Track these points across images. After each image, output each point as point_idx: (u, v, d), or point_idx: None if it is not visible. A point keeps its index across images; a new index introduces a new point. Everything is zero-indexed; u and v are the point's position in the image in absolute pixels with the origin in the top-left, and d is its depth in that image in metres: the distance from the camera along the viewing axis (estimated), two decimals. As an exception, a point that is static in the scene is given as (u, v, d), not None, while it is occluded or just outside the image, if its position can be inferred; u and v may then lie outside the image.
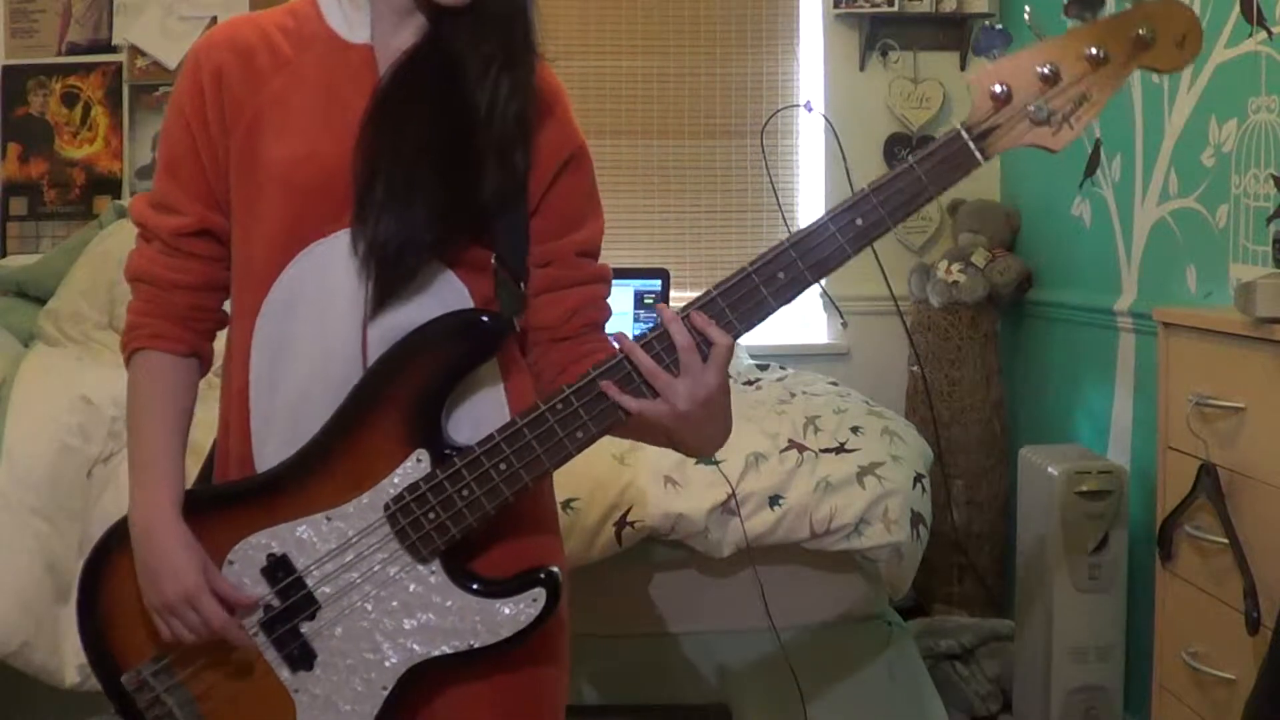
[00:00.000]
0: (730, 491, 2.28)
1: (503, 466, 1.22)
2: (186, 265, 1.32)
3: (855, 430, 2.46)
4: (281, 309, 1.27)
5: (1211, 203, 2.50)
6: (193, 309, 1.33)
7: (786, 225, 3.73)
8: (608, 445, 2.34)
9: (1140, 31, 1.14)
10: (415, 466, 1.24)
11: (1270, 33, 2.28)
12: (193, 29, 3.60)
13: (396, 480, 1.24)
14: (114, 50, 3.63)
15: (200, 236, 1.32)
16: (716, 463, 2.32)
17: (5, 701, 2.22)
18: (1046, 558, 2.77)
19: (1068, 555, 2.73)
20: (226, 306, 1.37)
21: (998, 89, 1.15)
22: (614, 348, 1.32)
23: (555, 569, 1.27)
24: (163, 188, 1.32)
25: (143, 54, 3.61)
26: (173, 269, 1.32)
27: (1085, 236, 3.15)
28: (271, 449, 1.28)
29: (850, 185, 3.59)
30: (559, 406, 1.21)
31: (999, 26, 1.19)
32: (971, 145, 1.16)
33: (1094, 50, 1.15)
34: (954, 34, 3.72)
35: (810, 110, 3.69)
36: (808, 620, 2.47)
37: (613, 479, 2.27)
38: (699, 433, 1.25)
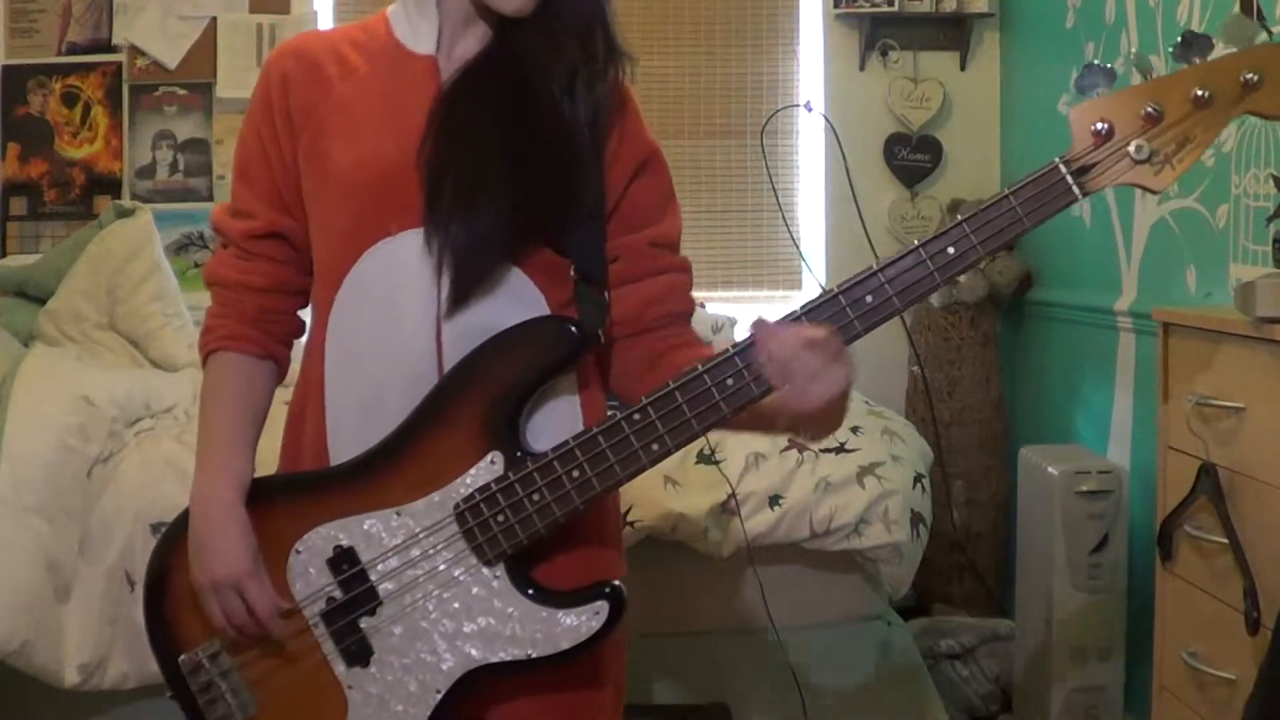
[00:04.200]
0: (730, 491, 2.29)
1: (575, 474, 1.22)
2: (257, 267, 1.36)
3: (855, 430, 2.46)
4: (352, 305, 1.29)
5: (1211, 203, 2.50)
6: (264, 311, 1.36)
7: (787, 225, 3.72)
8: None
9: (1248, 75, 1.13)
10: (488, 468, 1.24)
11: (1270, 33, 2.28)
12: (193, 29, 3.60)
13: (469, 480, 1.25)
14: (114, 50, 3.62)
15: (270, 239, 1.35)
16: (717, 462, 2.32)
17: (5, 701, 2.22)
18: (1046, 558, 2.77)
19: (1068, 555, 2.72)
20: (304, 314, 1.40)
21: (1099, 126, 1.15)
22: (699, 342, 1.35)
23: (619, 583, 1.26)
24: (237, 193, 1.37)
25: (143, 54, 3.61)
26: (244, 271, 1.36)
27: (1085, 236, 3.15)
28: (346, 441, 1.30)
29: (850, 185, 3.59)
30: (636, 417, 1.20)
31: (1108, 65, 1.18)
32: (1070, 179, 1.16)
33: (1200, 92, 1.14)
34: (954, 34, 3.72)
35: (810, 110, 3.69)
36: (808, 620, 2.47)
37: (613, 479, 2.26)
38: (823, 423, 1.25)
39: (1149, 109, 1.14)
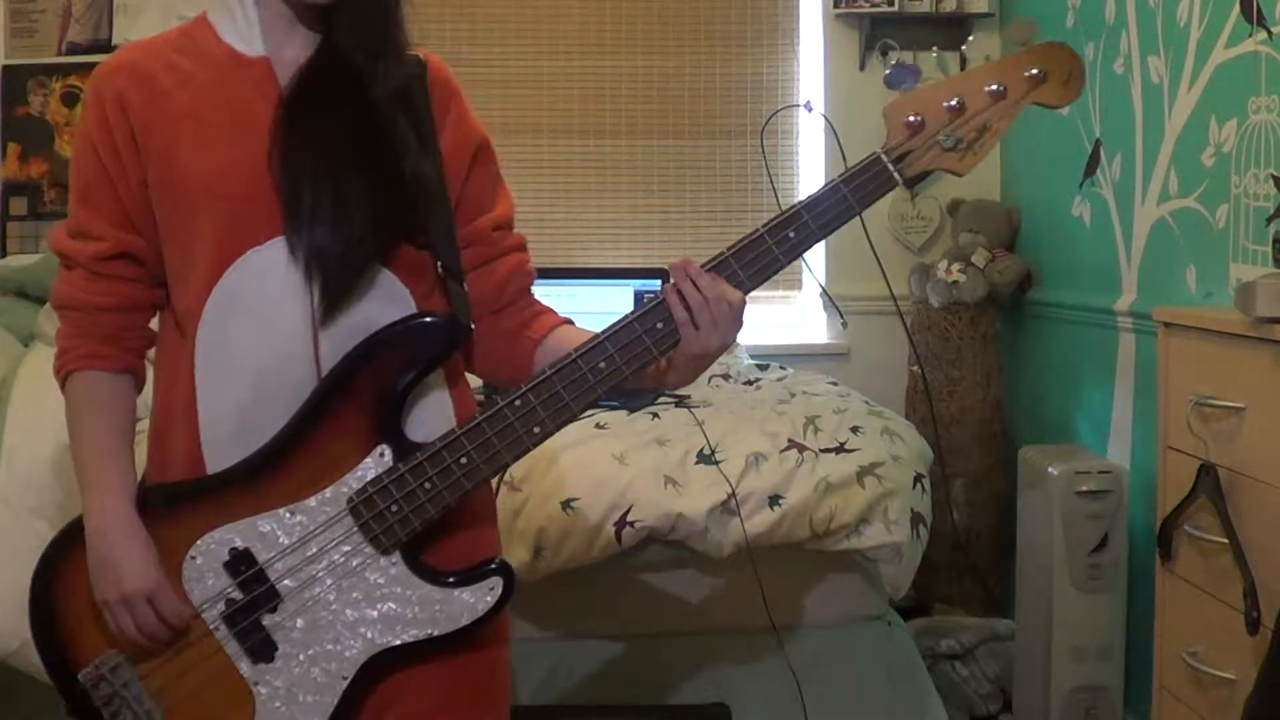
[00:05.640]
0: (730, 491, 2.28)
1: (463, 460, 1.28)
2: (110, 288, 1.36)
3: (855, 430, 2.46)
4: (222, 316, 1.30)
5: (1211, 203, 2.50)
6: (120, 329, 1.37)
7: (786, 225, 3.72)
8: (608, 445, 2.34)
9: (1034, 71, 1.29)
10: (378, 460, 1.29)
11: (1270, 33, 2.28)
12: (193, 29, 3.60)
13: (360, 474, 1.30)
14: (114, 50, 3.62)
15: (120, 259, 1.35)
16: (717, 463, 2.32)
17: (5, 701, 2.22)
18: (1046, 558, 2.77)
19: (1068, 555, 2.73)
20: (154, 324, 1.41)
21: (912, 118, 1.29)
22: (547, 309, 1.44)
23: (507, 560, 1.34)
24: (79, 215, 1.36)
25: (143, 54, 3.61)
26: (97, 293, 1.36)
27: (1085, 236, 3.15)
28: (223, 450, 1.31)
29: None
30: (518, 404, 1.28)
31: (910, 64, 1.33)
32: (891, 167, 1.29)
33: (994, 86, 1.29)
34: (954, 34, 3.72)
35: (810, 110, 3.69)
36: (808, 620, 2.47)
37: (613, 479, 2.27)
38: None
39: (952, 102, 1.29)
